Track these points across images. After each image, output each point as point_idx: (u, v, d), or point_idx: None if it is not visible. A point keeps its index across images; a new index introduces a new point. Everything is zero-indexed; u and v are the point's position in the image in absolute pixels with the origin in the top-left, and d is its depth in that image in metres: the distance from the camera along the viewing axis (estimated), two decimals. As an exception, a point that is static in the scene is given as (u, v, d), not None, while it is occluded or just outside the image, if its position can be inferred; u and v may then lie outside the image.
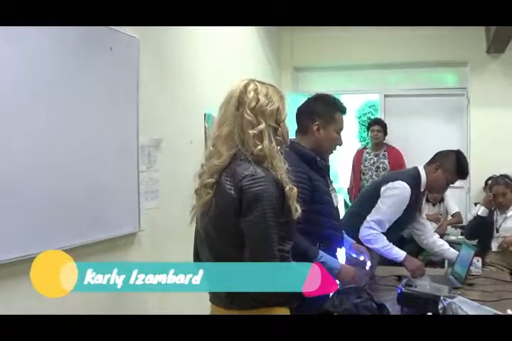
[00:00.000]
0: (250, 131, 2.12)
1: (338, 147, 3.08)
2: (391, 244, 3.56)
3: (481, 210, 4.98)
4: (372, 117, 9.55)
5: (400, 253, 3.55)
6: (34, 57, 3.05)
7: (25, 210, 3.04)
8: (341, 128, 3.02)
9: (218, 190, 2.10)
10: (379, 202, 3.65)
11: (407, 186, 3.63)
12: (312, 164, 2.94)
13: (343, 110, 3.03)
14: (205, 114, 5.24)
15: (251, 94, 2.15)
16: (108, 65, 3.72)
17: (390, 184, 3.68)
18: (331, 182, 3.14)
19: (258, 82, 2.21)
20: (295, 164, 2.77)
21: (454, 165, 3.70)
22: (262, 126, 2.13)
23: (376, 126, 7.06)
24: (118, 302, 3.94)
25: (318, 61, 7.57)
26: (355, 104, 10.47)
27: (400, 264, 3.62)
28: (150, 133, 4.29)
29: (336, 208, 3.10)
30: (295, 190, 2.15)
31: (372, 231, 3.54)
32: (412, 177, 3.73)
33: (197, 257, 2.36)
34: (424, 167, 3.78)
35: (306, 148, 2.97)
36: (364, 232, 3.51)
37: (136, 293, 4.14)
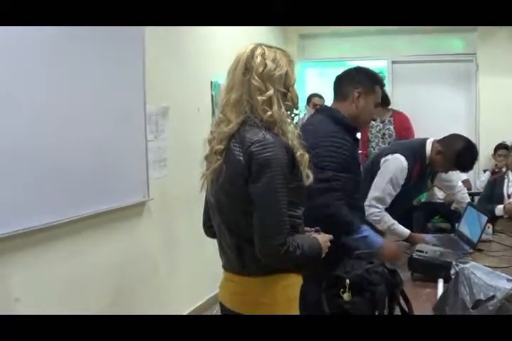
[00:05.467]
0: (259, 97, 2.08)
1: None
2: (395, 222, 3.51)
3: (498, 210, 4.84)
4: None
5: (403, 233, 3.52)
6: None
7: (35, 183, 3.05)
8: (379, 102, 2.96)
9: (227, 157, 2.08)
10: (377, 176, 3.60)
11: (404, 160, 3.57)
12: (353, 133, 2.91)
13: (383, 84, 2.99)
14: (211, 82, 5.21)
15: (258, 59, 2.11)
16: (114, 35, 3.70)
17: (389, 156, 3.64)
18: None
19: (265, 46, 2.17)
20: (335, 130, 2.78)
21: (455, 157, 3.59)
22: (271, 91, 2.10)
23: None
24: (134, 271, 3.98)
25: (323, 27, 7.48)
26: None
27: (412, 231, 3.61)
28: (157, 102, 4.28)
29: None
30: (306, 155, 2.12)
31: (375, 210, 3.49)
32: (413, 151, 3.66)
33: (206, 224, 2.36)
34: (433, 142, 3.70)
35: (345, 116, 2.87)
36: (367, 212, 3.46)
37: (149, 256, 4.19)
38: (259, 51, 2.13)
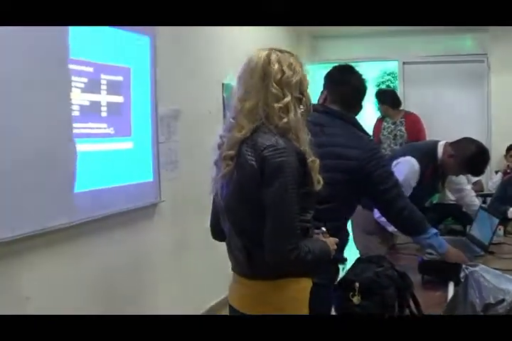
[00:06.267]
0: (276, 105, 2.08)
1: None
2: None
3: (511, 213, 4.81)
4: (392, 85, 9.44)
5: None
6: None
7: (48, 185, 3.08)
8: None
9: (239, 162, 2.07)
10: None
11: (416, 162, 3.58)
12: None
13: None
14: (223, 84, 5.22)
15: (276, 66, 2.11)
16: (123, 36, 3.73)
17: (401, 159, 3.64)
18: None
19: (279, 51, 2.17)
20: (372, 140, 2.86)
21: (466, 162, 3.58)
22: (288, 98, 2.10)
23: (378, 100, 6.96)
24: (144, 272, 3.99)
25: (335, 28, 7.47)
26: (373, 72, 10.33)
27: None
28: (168, 104, 4.29)
29: None
30: (317, 162, 2.12)
31: None
32: (425, 153, 3.66)
33: (214, 227, 2.37)
34: (445, 145, 3.69)
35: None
36: (376, 214, 3.45)
37: (160, 257, 4.20)
38: (274, 57, 2.12)
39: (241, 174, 2.06)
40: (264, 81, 2.08)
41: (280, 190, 2.01)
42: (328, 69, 2.98)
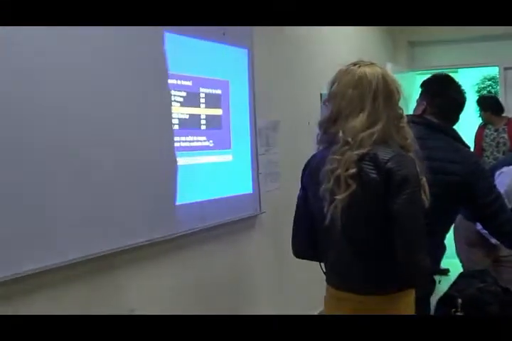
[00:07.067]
0: (400, 125, 2.11)
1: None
2: None
3: None
4: (493, 91, 9.19)
5: None
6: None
7: (150, 196, 3.13)
8: None
9: (361, 178, 2.05)
10: None
11: None
12: None
13: None
14: (321, 94, 5.19)
15: (394, 87, 2.12)
16: (221, 49, 3.75)
17: (504, 168, 3.54)
18: None
19: (381, 68, 2.15)
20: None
21: None
22: (405, 117, 2.12)
23: (481, 107, 6.76)
24: (244, 284, 4.00)
25: (432, 34, 7.32)
26: (474, 78, 10.07)
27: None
28: (267, 116, 4.30)
29: None
30: (424, 179, 2.09)
31: None
32: None
33: (302, 246, 2.36)
34: None
35: None
36: (479, 225, 3.34)
37: (261, 269, 4.20)
38: (389, 76, 2.13)
39: (364, 189, 2.03)
40: (387, 102, 2.08)
41: (409, 200, 2.00)
42: (425, 78, 2.92)
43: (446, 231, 2.76)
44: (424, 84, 2.88)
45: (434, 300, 2.63)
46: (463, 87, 2.85)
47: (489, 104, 6.68)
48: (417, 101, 2.83)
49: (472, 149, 6.87)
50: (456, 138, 2.74)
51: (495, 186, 2.72)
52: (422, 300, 2.29)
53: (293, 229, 2.43)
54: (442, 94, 2.78)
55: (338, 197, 2.05)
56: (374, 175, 2.02)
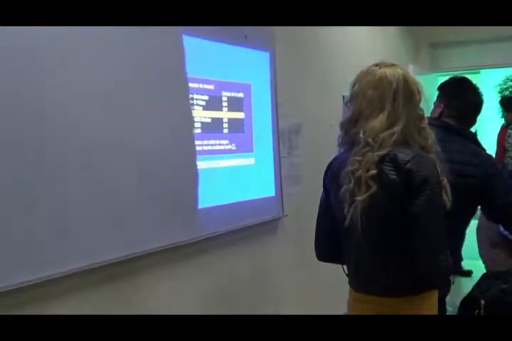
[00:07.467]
0: (421, 125, 2.12)
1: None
2: None
3: None
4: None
5: None
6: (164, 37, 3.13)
7: (172, 200, 3.14)
8: None
9: (381, 180, 2.05)
10: None
11: None
12: None
13: None
14: (343, 96, 5.18)
15: (415, 87, 2.13)
16: (243, 53, 3.76)
17: None
18: None
19: (402, 68, 2.16)
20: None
21: None
22: (426, 118, 2.13)
23: (504, 107, 6.72)
24: (266, 286, 4.00)
25: (453, 35, 7.28)
26: (496, 79, 10.00)
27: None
28: (290, 118, 4.30)
29: None
30: (445, 180, 2.10)
31: None
32: None
33: (324, 249, 2.35)
34: None
35: None
36: (501, 227, 3.32)
37: (284, 272, 4.20)
38: (410, 77, 2.14)
39: (385, 190, 2.04)
40: (408, 102, 2.08)
41: (430, 201, 2.01)
42: (442, 81, 2.92)
43: (463, 232, 2.78)
44: (442, 87, 2.88)
45: (458, 301, 2.63)
46: (481, 89, 2.85)
47: None
48: (434, 103, 2.83)
49: (495, 150, 6.87)
50: (474, 140, 2.74)
51: None
52: (440, 301, 2.29)
53: (316, 232, 2.44)
54: (459, 97, 2.79)
55: (359, 198, 2.05)
56: (394, 177, 2.02)
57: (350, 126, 2.16)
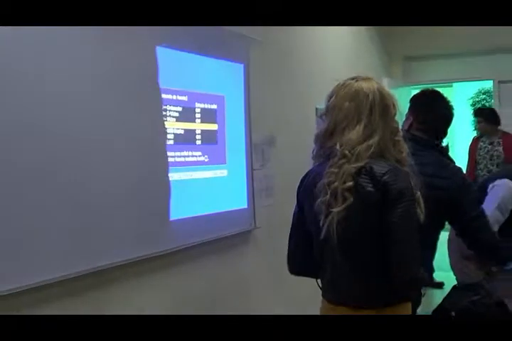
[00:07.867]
0: (396, 138, 2.12)
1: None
2: None
3: None
4: (488, 104, 9.25)
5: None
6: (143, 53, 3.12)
7: (144, 212, 3.13)
8: None
9: (358, 192, 2.05)
10: (485, 201, 3.48)
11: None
12: None
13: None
14: (316, 108, 5.20)
15: (390, 102, 2.14)
16: (217, 64, 3.78)
17: (497, 182, 3.55)
18: None
19: (377, 83, 2.17)
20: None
21: None
22: (401, 131, 2.14)
23: (477, 118, 6.79)
24: (239, 298, 3.98)
25: (428, 49, 7.36)
26: (468, 92, 10.16)
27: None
28: (263, 131, 4.30)
29: None
30: (419, 193, 2.11)
31: None
32: None
33: (297, 261, 2.36)
34: None
35: None
36: None
37: (256, 284, 4.19)
38: (384, 90, 2.16)
39: (360, 202, 2.04)
40: (384, 115, 2.10)
41: (405, 213, 2.02)
42: (414, 94, 2.94)
43: (434, 246, 2.80)
44: (412, 100, 2.91)
45: (429, 312, 2.63)
46: (454, 102, 2.88)
47: (486, 115, 6.71)
48: (406, 115, 2.85)
49: (466, 162, 6.93)
50: (443, 153, 2.76)
51: (480, 202, 2.75)
52: (411, 312, 2.30)
53: (288, 246, 2.42)
54: (429, 110, 2.81)
55: (335, 209, 2.05)
56: (370, 189, 2.03)
57: (326, 138, 2.16)
